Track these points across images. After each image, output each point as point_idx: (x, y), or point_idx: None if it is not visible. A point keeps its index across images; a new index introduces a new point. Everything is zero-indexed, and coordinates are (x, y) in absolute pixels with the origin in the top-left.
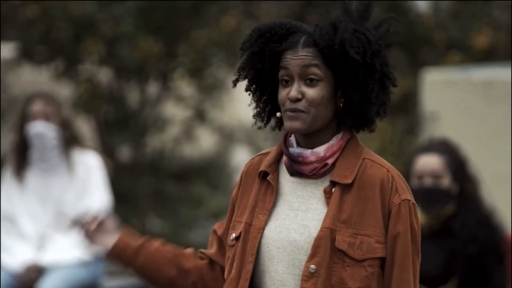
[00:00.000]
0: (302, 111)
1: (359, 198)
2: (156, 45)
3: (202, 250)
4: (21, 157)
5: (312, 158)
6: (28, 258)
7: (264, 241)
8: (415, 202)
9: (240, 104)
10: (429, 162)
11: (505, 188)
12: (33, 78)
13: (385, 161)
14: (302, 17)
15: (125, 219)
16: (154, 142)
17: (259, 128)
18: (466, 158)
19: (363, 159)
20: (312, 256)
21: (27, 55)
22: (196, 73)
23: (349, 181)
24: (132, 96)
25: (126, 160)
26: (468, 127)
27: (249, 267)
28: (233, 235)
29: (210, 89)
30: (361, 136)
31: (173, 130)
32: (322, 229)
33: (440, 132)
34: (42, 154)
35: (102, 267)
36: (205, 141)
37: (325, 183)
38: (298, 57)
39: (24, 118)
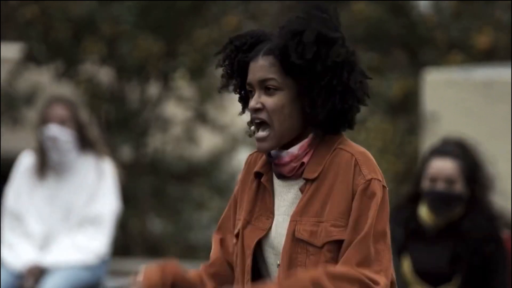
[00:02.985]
0: (265, 122)
1: (323, 187)
2: (156, 44)
3: (206, 265)
4: (41, 158)
5: (287, 159)
6: (31, 258)
7: (264, 241)
8: (386, 185)
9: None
10: (444, 167)
11: (505, 188)
12: (34, 79)
13: (357, 147)
14: None
15: (126, 219)
16: (155, 142)
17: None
18: (481, 160)
19: (335, 149)
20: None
21: (28, 55)
22: (197, 72)
23: (315, 175)
24: (133, 96)
25: (127, 160)
26: (468, 127)
27: (248, 261)
28: (235, 231)
29: (211, 89)
30: (363, 136)
31: (174, 130)
32: (289, 223)
33: (440, 132)
34: (57, 157)
35: (104, 268)
36: (206, 142)
37: (302, 182)
38: (257, 68)
39: (42, 121)
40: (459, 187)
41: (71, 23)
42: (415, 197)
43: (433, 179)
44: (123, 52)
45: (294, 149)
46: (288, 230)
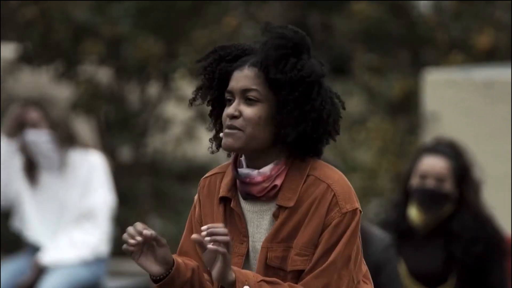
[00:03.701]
0: (238, 129)
1: (296, 215)
2: (156, 45)
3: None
4: (26, 160)
5: (259, 178)
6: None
7: (244, 267)
8: (360, 208)
9: None
10: (434, 164)
11: (505, 188)
12: (33, 80)
13: (331, 173)
14: (303, 18)
15: (126, 220)
16: (155, 142)
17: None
18: (471, 163)
19: (308, 176)
20: None
21: (27, 56)
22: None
23: (291, 204)
24: (133, 96)
25: (127, 160)
26: (469, 127)
27: None
28: None
29: None
30: (363, 136)
31: (174, 130)
32: (261, 249)
33: (440, 132)
34: (41, 158)
35: (104, 267)
36: (207, 141)
37: (275, 207)
38: (241, 77)
39: (18, 127)
40: (448, 186)
41: (71, 24)
42: (405, 198)
43: (423, 176)
44: (123, 52)
45: (266, 170)
46: (260, 256)
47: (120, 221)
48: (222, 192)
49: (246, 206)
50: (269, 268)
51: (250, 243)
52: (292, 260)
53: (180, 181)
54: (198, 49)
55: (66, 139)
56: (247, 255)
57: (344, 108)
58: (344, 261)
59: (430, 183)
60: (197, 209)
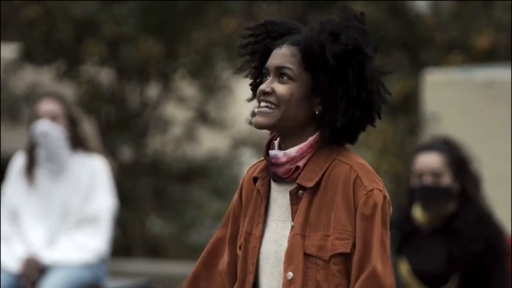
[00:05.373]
0: (271, 104)
1: (325, 200)
2: (156, 46)
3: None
4: (30, 157)
5: (284, 159)
6: (27, 254)
7: (260, 250)
8: (386, 194)
9: (242, 105)
10: (428, 161)
11: (505, 188)
12: (35, 79)
13: (355, 157)
14: (303, 18)
15: (126, 220)
16: (155, 143)
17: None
18: (468, 157)
19: (333, 160)
20: (288, 265)
21: (29, 56)
22: (197, 73)
23: (311, 184)
24: (133, 97)
25: (127, 161)
26: (469, 127)
27: (250, 278)
28: (238, 244)
29: (211, 90)
30: (362, 136)
31: (175, 131)
32: (293, 236)
33: (441, 132)
34: (48, 154)
35: (104, 268)
36: (207, 142)
37: (295, 186)
38: (278, 55)
39: (33, 118)
40: (446, 180)
41: (73, 23)
42: (409, 199)
43: (420, 174)
44: (124, 53)
45: (292, 151)
46: (297, 244)
47: (121, 221)
48: (256, 173)
49: (274, 186)
50: (307, 257)
51: (268, 222)
52: (332, 245)
53: (180, 182)
54: (197, 50)
55: (77, 142)
56: (262, 235)
57: (389, 93)
58: (383, 249)
59: (427, 179)
60: (235, 196)
